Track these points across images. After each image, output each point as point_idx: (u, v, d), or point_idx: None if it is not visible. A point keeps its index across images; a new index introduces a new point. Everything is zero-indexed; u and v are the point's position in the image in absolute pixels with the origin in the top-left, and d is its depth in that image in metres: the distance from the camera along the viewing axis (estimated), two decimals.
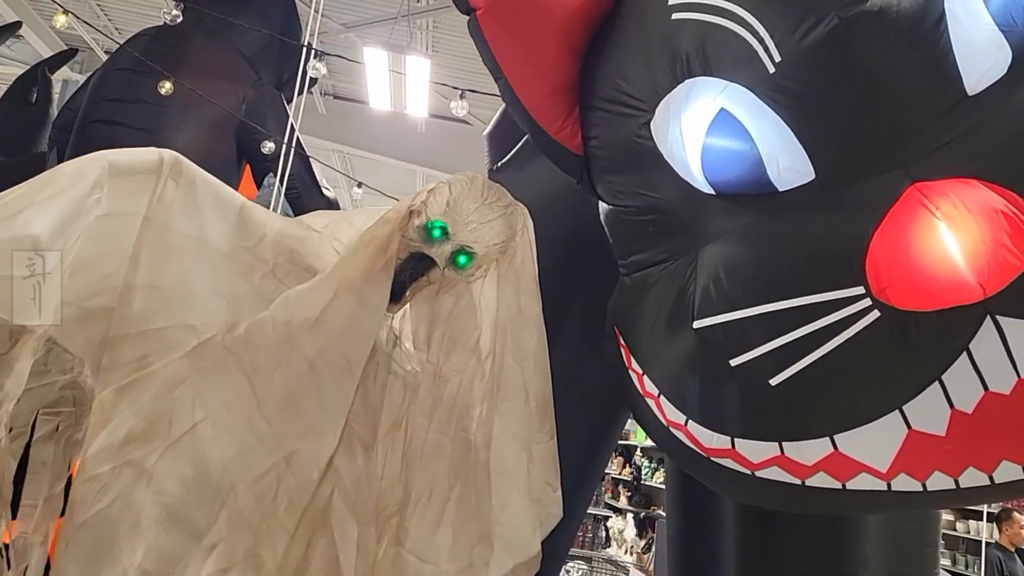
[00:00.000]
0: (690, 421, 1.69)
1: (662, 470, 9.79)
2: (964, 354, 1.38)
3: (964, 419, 1.41)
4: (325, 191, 5.34)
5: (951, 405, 1.40)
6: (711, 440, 1.65)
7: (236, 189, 5.10)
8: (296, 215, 4.87)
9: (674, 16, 1.68)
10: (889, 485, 1.50)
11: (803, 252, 1.50)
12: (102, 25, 10.29)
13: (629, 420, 2.64)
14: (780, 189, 1.53)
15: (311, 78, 4.81)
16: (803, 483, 1.57)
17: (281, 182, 4.73)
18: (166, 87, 4.36)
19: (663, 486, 3.88)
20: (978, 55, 1.43)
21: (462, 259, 2.05)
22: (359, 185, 10.14)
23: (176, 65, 4.64)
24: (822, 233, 1.48)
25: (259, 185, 5.06)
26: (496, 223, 2.07)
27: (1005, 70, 1.43)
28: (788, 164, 1.50)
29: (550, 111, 1.93)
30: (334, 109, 11.79)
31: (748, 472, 1.62)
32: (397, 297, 2.05)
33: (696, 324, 1.60)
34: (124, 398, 1.87)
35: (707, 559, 2.77)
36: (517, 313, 2.12)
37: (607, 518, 10.53)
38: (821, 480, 1.55)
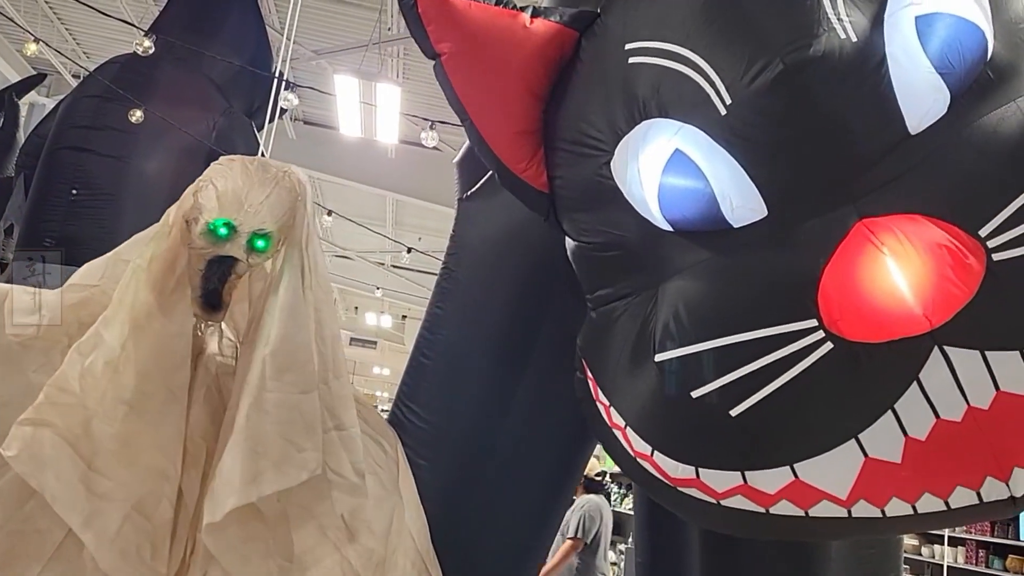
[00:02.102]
0: (656, 452, 1.72)
1: (631, 496, 9.80)
2: (915, 383, 1.43)
3: (918, 446, 1.46)
4: None
5: (905, 433, 1.45)
6: (676, 470, 1.69)
7: None
8: None
9: (631, 60, 1.75)
10: (850, 512, 1.54)
11: (758, 286, 1.55)
12: (70, 50, 10.24)
13: (598, 446, 2.66)
14: (735, 226, 1.59)
15: (291, 107, 4.81)
16: (767, 511, 1.60)
17: None
18: (136, 115, 4.35)
19: (632, 512, 3.89)
20: (918, 97, 1.50)
21: (260, 243, 1.96)
22: (329, 213, 10.14)
23: (146, 93, 4.64)
24: (776, 268, 1.53)
25: None
26: (275, 195, 1.98)
27: (945, 110, 1.50)
28: (741, 202, 1.56)
29: (516, 152, 1.98)
30: (304, 134, 11.78)
31: (714, 501, 1.66)
32: (216, 306, 2.01)
33: (657, 357, 1.64)
34: None
35: None
36: (280, 266, 2.02)
37: None
38: (784, 508, 1.59)
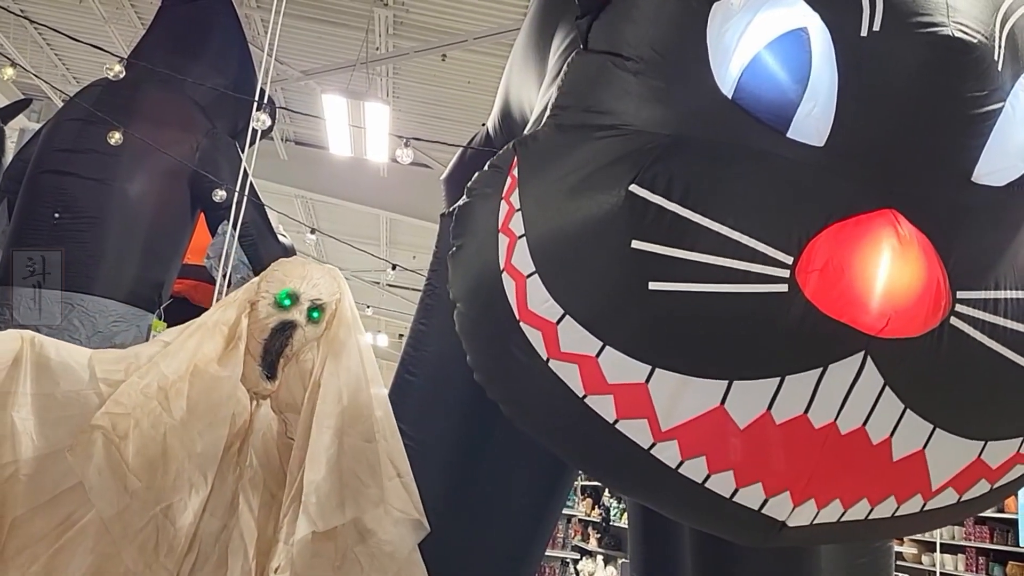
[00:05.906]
0: (536, 275, 1.58)
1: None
2: (820, 370, 1.39)
3: (768, 426, 1.42)
4: (281, 237, 5.34)
5: (769, 407, 1.41)
6: (542, 305, 1.56)
7: (191, 237, 5.11)
8: (251, 261, 4.85)
9: None
10: (652, 446, 1.48)
11: (767, 200, 1.47)
12: (59, 75, 10.26)
13: None
14: (788, 134, 1.51)
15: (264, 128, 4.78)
16: (583, 397, 1.52)
17: (235, 229, 4.71)
18: (115, 137, 4.34)
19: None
20: (1004, 155, 1.49)
21: (315, 314, 2.43)
22: (312, 232, 10.19)
23: (129, 115, 4.63)
24: (792, 196, 1.47)
25: (213, 233, 5.04)
26: (324, 279, 2.50)
27: (1005, 183, 1.50)
28: (819, 114, 1.49)
29: None
30: (295, 154, 11.80)
31: (544, 357, 1.55)
32: (273, 373, 2.40)
33: (633, 188, 1.49)
34: (59, 560, 2.13)
35: None
36: (337, 340, 2.47)
37: (576, 561, 10.43)
38: (600, 404, 1.51)
